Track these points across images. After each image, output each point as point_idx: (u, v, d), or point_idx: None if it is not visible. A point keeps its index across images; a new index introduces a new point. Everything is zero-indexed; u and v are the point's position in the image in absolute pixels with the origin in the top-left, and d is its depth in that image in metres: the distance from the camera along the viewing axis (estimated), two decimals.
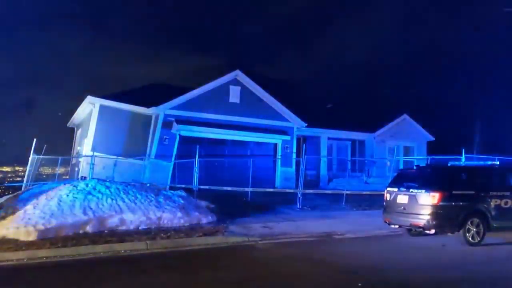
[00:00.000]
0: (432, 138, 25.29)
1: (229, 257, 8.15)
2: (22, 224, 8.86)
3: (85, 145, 17.93)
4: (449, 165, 11.21)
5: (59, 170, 19.52)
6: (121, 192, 10.87)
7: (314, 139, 22.40)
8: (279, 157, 19.71)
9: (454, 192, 9.22)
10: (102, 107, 17.69)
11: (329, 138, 22.86)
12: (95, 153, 15.64)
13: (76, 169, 19.03)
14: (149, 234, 9.34)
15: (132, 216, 10.07)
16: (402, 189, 9.80)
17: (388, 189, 10.29)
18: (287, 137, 20.12)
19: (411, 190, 9.54)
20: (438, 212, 9.01)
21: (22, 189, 15.28)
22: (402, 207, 9.64)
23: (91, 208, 9.86)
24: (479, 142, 28.63)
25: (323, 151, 22.29)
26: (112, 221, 9.81)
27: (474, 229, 9.14)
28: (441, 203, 9.01)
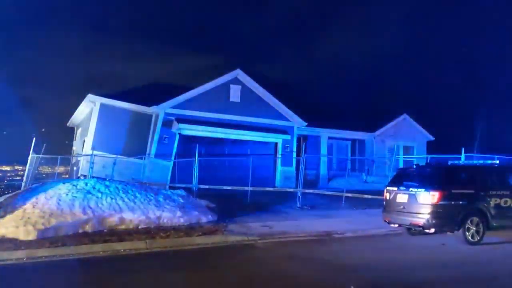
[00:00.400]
0: (432, 138, 25.31)
1: (229, 257, 8.15)
2: (22, 223, 8.85)
3: (85, 144, 17.93)
4: (448, 164, 11.20)
5: (59, 169, 19.53)
6: (121, 191, 10.87)
7: (314, 139, 22.42)
8: (279, 156, 19.71)
9: (453, 191, 9.22)
10: (102, 106, 17.68)
11: (329, 138, 22.89)
12: (95, 152, 15.63)
13: (75, 168, 19.03)
14: (148, 233, 9.34)
15: (131, 215, 10.07)
16: (401, 188, 9.80)
17: (388, 188, 10.29)
18: (287, 137, 20.12)
19: (410, 189, 9.54)
20: (437, 211, 9.01)
21: (22, 188, 15.27)
22: (401, 206, 9.64)
23: (90, 207, 9.86)
24: (479, 141, 28.65)
25: (323, 151, 22.31)
26: (112, 220, 9.80)
27: (474, 228, 9.14)
28: (440, 202, 9.01)
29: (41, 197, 10.01)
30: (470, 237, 9.09)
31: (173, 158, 17.60)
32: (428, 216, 9.03)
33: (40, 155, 17.15)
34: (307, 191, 14.98)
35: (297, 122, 20.50)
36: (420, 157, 21.26)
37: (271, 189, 15.54)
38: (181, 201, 11.49)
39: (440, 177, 9.70)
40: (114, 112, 17.79)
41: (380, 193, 11.44)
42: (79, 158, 18.51)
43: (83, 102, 18.65)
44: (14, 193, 12.33)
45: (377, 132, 23.70)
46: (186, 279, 6.43)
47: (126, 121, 18.08)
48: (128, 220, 9.95)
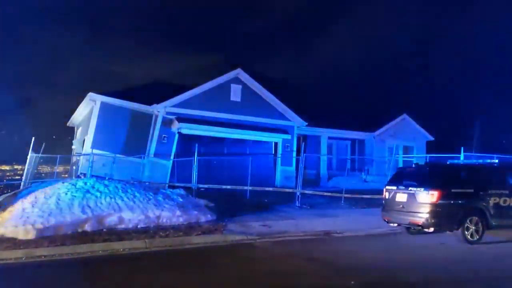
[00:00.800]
0: (431, 138, 25.37)
1: (228, 256, 8.15)
2: (21, 222, 8.84)
3: (85, 143, 17.91)
4: (448, 163, 11.21)
5: (58, 168, 19.50)
6: (120, 190, 10.85)
7: (315, 139, 22.46)
8: (279, 155, 19.72)
9: (453, 190, 9.22)
10: (103, 104, 17.65)
11: (329, 138, 22.93)
12: (95, 151, 15.62)
13: (75, 167, 19.02)
14: (148, 232, 9.33)
15: (131, 214, 10.05)
16: (401, 187, 9.80)
17: (387, 187, 10.28)
18: (288, 136, 20.13)
19: (410, 188, 9.54)
20: (437, 210, 9.01)
21: (21, 187, 15.25)
22: (401, 205, 9.64)
23: (89, 207, 9.84)
24: (478, 141, 28.69)
25: (323, 150, 22.35)
26: (111, 220, 9.79)
27: (473, 227, 9.14)
28: (440, 201, 9.01)
29: (40, 196, 9.99)
30: (469, 236, 9.09)
31: (172, 157, 17.59)
32: (427, 215, 9.03)
33: (39, 155, 17.13)
34: (307, 191, 14.98)
35: (297, 122, 20.51)
36: (419, 156, 21.30)
37: (270, 188, 15.53)
38: (181, 200, 11.47)
39: (440, 176, 9.70)
40: (114, 111, 17.77)
41: (380, 192, 11.44)
42: (78, 158, 18.50)
43: (83, 101, 18.64)
44: (13, 192, 12.31)
45: (377, 132, 23.74)
46: (185, 279, 6.43)
47: (126, 120, 18.07)
48: (127, 220, 9.93)
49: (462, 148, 13.57)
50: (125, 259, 7.79)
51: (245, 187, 14.82)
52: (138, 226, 9.88)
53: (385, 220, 10.20)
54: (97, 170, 15.51)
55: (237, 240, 9.28)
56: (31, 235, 8.52)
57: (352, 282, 6.07)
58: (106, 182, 11.39)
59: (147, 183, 14.23)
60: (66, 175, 20.90)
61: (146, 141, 18.13)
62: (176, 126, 17.82)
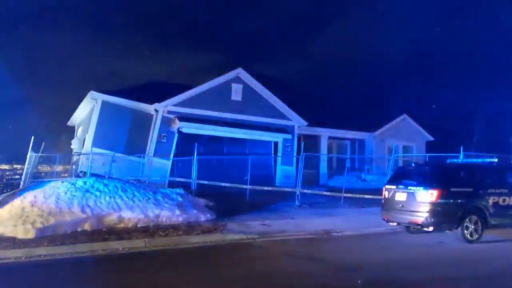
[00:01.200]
0: (431, 138, 25.45)
1: (227, 255, 8.15)
2: (20, 222, 8.85)
3: (85, 141, 17.90)
4: (447, 162, 11.21)
5: (58, 168, 19.48)
6: (119, 189, 10.86)
7: (315, 138, 22.48)
8: (280, 155, 19.74)
9: (452, 189, 9.22)
10: (104, 103, 17.62)
11: (329, 138, 22.95)
12: (95, 149, 15.64)
13: (74, 167, 19.01)
14: (147, 231, 9.34)
15: (130, 213, 10.06)
16: (400, 186, 9.80)
17: (387, 186, 10.28)
18: (288, 136, 20.14)
19: (409, 187, 9.54)
20: (436, 210, 9.01)
21: (20, 186, 15.24)
22: (400, 205, 9.64)
23: (89, 206, 9.85)
24: (478, 141, 28.73)
25: (323, 150, 22.37)
26: (110, 219, 9.80)
27: (472, 227, 9.14)
28: (439, 201, 9.01)
29: (40, 195, 10.00)
30: (468, 236, 9.09)
31: (172, 156, 17.58)
32: (426, 215, 9.03)
33: (39, 154, 17.12)
34: (306, 191, 14.98)
35: (298, 122, 20.52)
36: (419, 156, 21.32)
37: (269, 188, 15.53)
38: (180, 199, 11.48)
39: (439, 175, 9.71)
40: (115, 109, 17.75)
41: (379, 191, 11.44)
42: (78, 157, 18.49)
43: (84, 100, 18.62)
44: (12, 191, 12.29)
45: (377, 132, 23.77)
46: (185, 278, 6.43)
47: (127, 119, 18.04)
48: (126, 219, 9.95)
49: (461, 147, 13.55)
50: (125, 258, 7.79)
51: (244, 186, 14.82)
52: (138, 225, 9.89)
53: (384, 219, 10.20)
54: (97, 168, 15.51)
55: (236, 240, 9.28)
56: (30, 234, 8.53)
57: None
58: (105, 181, 11.39)
59: (146, 182, 14.24)
60: (66, 175, 20.89)
61: (146, 140, 18.12)
62: (176, 125, 17.81)
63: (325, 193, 15.35)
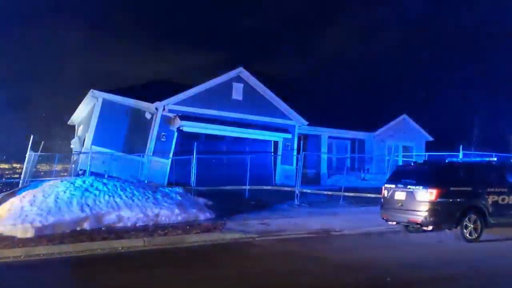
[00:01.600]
0: (431, 139, 25.54)
1: (227, 254, 8.15)
2: (19, 221, 8.84)
3: (85, 139, 17.89)
4: (446, 161, 11.21)
5: (58, 167, 19.45)
6: (119, 189, 10.84)
7: (315, 138, 22.52)
8: (280, 154, 19.75)
9: (451, 188, 9.22)
10: (105, 101, 17.60)
11: (329, 137, 22.99)
12: (95, 148, 15.64)
13: (74, 166, 19.00)
14: (146, 231, 9.33)
15: (129, 213, 10.06)
16: (399, 185, 9.80)
17: (386, 185, 10.28)
18: (289, 135, 20.14)
19: (408, 186, 9.53)
20: (435, 209, 9.01)
21: (20, 186, 15.23)
22: (399, 204, 9.64)
23: (88, 205, 9.84)
24: (477, 140, 28.77)
25: (324, 150, 22.41)
26: (110, 218, 9.79)
27: (472, 226, 9.14)
28: (438, 200, 9.01)
29: (39, 194, 9.98)
30: (468, 235, 9.09)
31: (171, 155, 17.57)
32: (426, 214, 9.04)
33: (38, 153, 17.10)
34: (305, 190, 14.99)
35: (298, 121, 20.54)
36: (418, 155, 21.33)
37: (269, 187, 15.53)
38: (179, 198, 11.47)
39: (438, 174, 9.69)
40: (116, 108, 17.72)
41: (378, 190, 11.44)
42: (78, 156, 18.47)
43: (85, 98, 18.60)
44: (11, 190, 12.29)
45: (377, 132, 23.82)
46: (184, 277, 6.43)
47: (127, 118, 18.02)
48: (126, 218, 9.95)
49: (461, 146, 13.56)
50: (124, 257, 7.79)
51: (244, 186, 14.82)
52: (137, 225, 9.89)
53: (383, 219, 10.20)
54: (96, 167, 15.52)
55: (236, 239, 9.28)
56: (29, 234, 8.52)
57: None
58: (105, 180, 11.38)
59: (146, 181, 14.23)
60: (66, 174, 20.88)
61: (146, 139, 18.11)
62: (177, 124, 17.79)
63: (324, 192, 15.36)
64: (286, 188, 15.79)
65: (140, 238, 8.72)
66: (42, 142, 17.03)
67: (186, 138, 17.78)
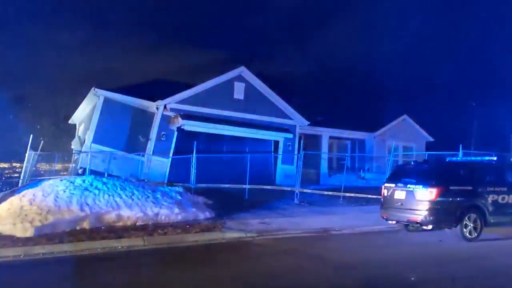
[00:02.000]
0: (431, 139, 25.61)
1: (226, 253, 8.15)
2: (19, 220, 8.83)
3: (86, 138, 17.90)
4: (446, 160, 11.20)
5: (58, 166, 19.48)
6: (118, 188, 10.84)
7: (316, 138, 22.54)
8: (280, 154, 19.75)
9: (451, 187, 9.21)
10: (106, 100, 17.57)
11: (330, 137, 23.02)
12: (96, 146, 15.65)
13: (74, 165, 19.00)
14: (146, 230, 9.33)
15: (129, 212, 10.05)
16: (399, 184, 9.79)
17: (386, 184, 10.27)
18: (289, 135, 20.14)
19: (408, 185, 9.53)
20: (435, 208, 9.01)
21: (19, 185, 15.24)
22: (399, 203, 9.63)
23: (88, 204, 9.83)
24: (477, 140, 28.80)
25: (324, 150, 22.46)
26: (109, 217, 9.79)
27: (471, 225, 9.14)
28: (438, 199, 9.00)
29: (39, 194, 9.98)
30: (467, 234, 9.08)
31: (171, 154, 17.56)
32: (425, 213, 9.02)
33: (38, 152, 17.11)
34: (305, 189, 14.99)
35: (299, 121, 20.55)
36: (418, 154, 21.34)
37: (269, 187, 15.53)
38: (179, 198, 11.47)
39: (438, 173, 9.69)
40: (117, 107, 17.69)
41: (378, 190, 11.44)
42: (79, 155, 18.47)
43: (87, 97, 18.58)
44: (11, 189, 12.29)
45: (378, 132, 23.85)
46: (184, 276, 6.43)
47: (128, 116, 17.99)
48: (125, 217, 9.94)
49: (460, 146, 13.54)
50: (124, 256, 7.79)
51: (244, 186, 14.81)
52: (137, 224, 9.88)
53: (383, 218, 10.19)
54: (96, 165, 15.54)
55: (235, 238, 9.28)
56: (29, 233, 8.52)
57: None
58: (104, 179, 11.38)
59: (145, 180, 14.22)
60: (66, 173, 20.88)
61: (146, 138, 18.09)
62: (177, 123, 17.77)
63: (324, 191, 15.35)
64: (286, 188, 15.79)
65: (140, 237, 8.72)
66: (42, 141, 17.05)
67: (186, 137, 17.75)
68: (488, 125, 30.12)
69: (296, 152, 19.64)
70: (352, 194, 14.78)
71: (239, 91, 19.32)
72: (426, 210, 9.02)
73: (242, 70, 19.28)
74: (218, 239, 9.17)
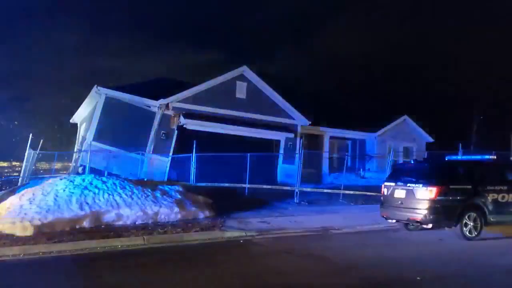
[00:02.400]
0: (431, 140, 25.75)
1: (226, 252, 8.14)
2: (18, 219, 8.82)
3: (87, 135, 17.91)
4: (446, 159, 11.20)
5: (58, 165, 19.48)
6: (118, 187, 10.82)
7: (317, 138, 22.62)
8: (281, 153, 19.76)
9: (451, 186, 9.22)
10: (107, 98, 17.58)
11: (331, 137, 23.11)
12: (94, 143, 15.67)
13: (74, 164, 19.00)
14: (146, 229, 9.31)
15: (129, 211, 10.04)
16: (399, 183, 9.79)
17: (386, 183, 10.27)
18: (291, 135, 20.17)
19: (408, 184, 9.53)
20: (435, 207, 9.01)
21: (19, 184, 15.24)
22: (399, 202, 9.63)
23: (87, 203, 9.82)
24: (477, 140, 28.82)
25: (325, 149, 22.48)
26: (109, 216, 9.78)
27: (471, 224, 9.14)
28: (438, 198, 9.00)
29: (38, 193, 9.97)
30: (467, 233, 9.09)
31: (171, 153, 17.56)
32: (425, 212, 9.03)
33: (37, 151, 17.10)
34: (305, 188, 14.99)
35: (301, 121, 20.58)
36: (419, 154, 21.39)
37: (269, 186, 15.53)
38: (179, 197, 11.45)
39: (438, 172, 9.69)
40: (118, 105, 17.70)
41: (378, 189, 11.44)
42: (79, 154, 18.47)
43: (89, 95, 18.60)
44: (11, 189, 12.29)
45: (378, 133, 23.94)
46: (184, 275, 6.42)
47: (129, 115, 17.98)
48: (125, 216, 9.93)
49: (460, 144, 13.55)
50: (123, 255, 7.77)
51: (243, 185, 14.81)
52: (136, 223, 9.87)
53: (383, 217, 10.19)
54: (96, 163, 15.56)
55: (235, 237, 9.27)
56: (29, 232, 8.51)
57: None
58: (104, 178, 11.37)
59: (145, 179, 14.22)
60: (65, 172, 20.87)
61: (147, 137, 18.09)
62: (180, 121, 17.77)
63: (325, 190, 15.36)
64: (286, 187, 15.79)
65: (139, 236, 8.71)
66: (41, 140, 17.04)
67: (187, 136, 17.72)
68: (488, 126, 30.15)
69: (297, 151, 19.66)
70: (351, 192, 14.80)
71: (241, 90, 19.35)
72: (426, 209, 9.02)
73: (244, 70, 19.30)
74: (218, 238, 9.16)
